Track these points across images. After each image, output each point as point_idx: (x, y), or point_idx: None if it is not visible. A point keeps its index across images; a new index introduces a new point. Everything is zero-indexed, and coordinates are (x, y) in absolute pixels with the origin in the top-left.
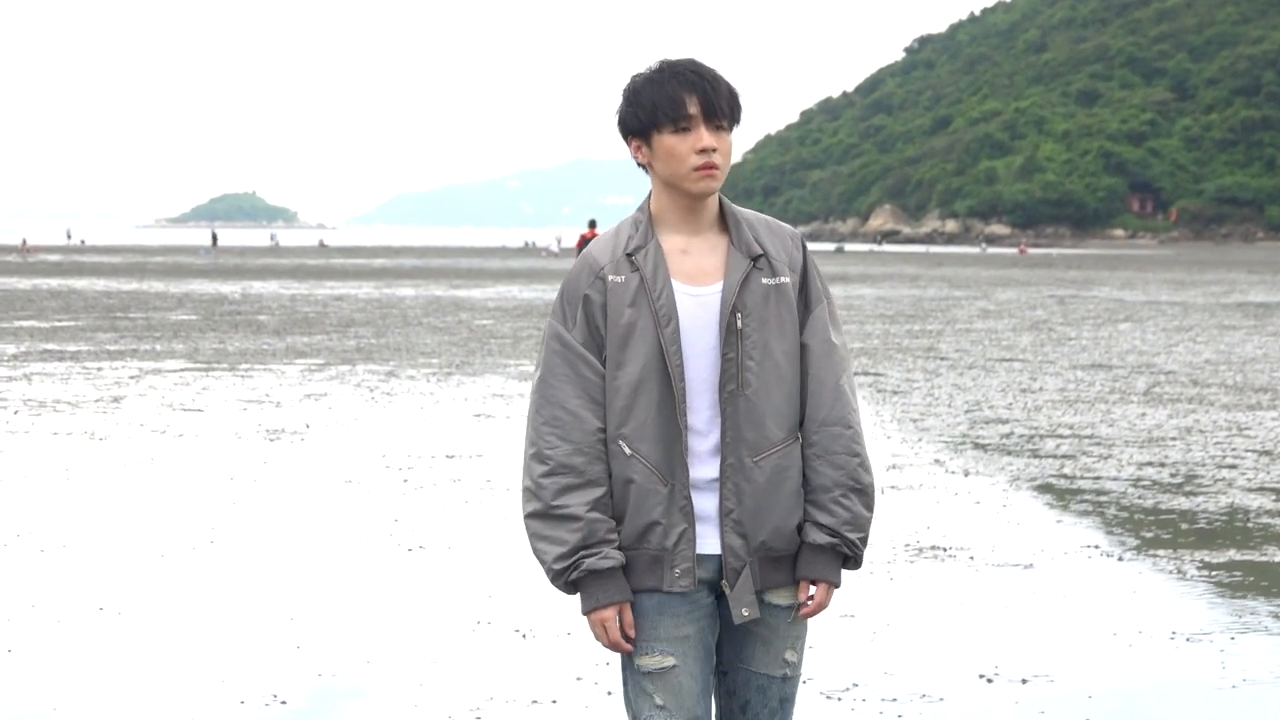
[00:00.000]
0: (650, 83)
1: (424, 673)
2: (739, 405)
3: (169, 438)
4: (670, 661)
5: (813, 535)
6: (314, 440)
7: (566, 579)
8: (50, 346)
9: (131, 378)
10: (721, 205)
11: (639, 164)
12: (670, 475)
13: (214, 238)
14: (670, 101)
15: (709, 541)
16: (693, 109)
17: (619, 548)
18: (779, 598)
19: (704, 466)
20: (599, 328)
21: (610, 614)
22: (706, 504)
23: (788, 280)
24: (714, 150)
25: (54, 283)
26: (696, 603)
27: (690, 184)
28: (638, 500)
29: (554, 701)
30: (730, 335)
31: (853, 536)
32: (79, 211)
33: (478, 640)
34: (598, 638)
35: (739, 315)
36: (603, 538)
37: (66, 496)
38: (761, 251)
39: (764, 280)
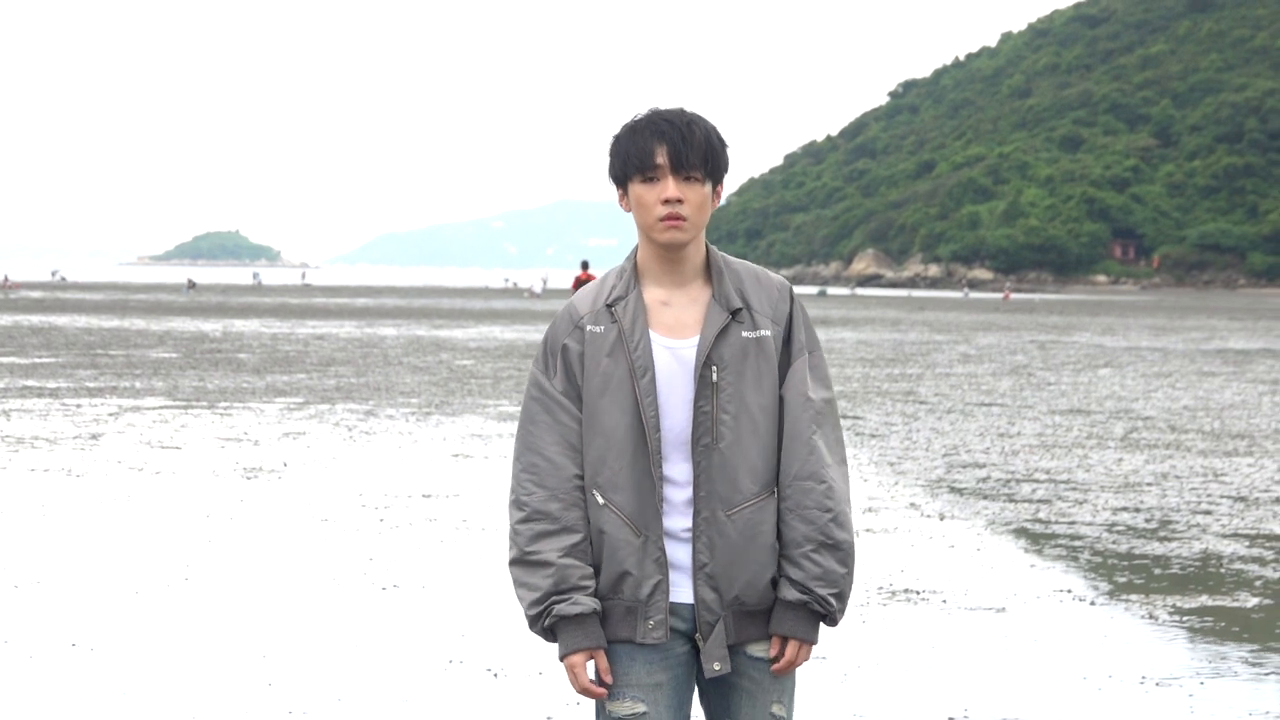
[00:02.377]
0: (628, 132)
1: (396, 711)
2: (713, 459)
3: (146, 475)
4: (641, 709)
5: (784, 591)
6: (291, 479)
7: (541, 624)
8: (30, 383)
9: (110, 415)
10: (709, 256)
11: (626, 210)
12: (644, 526)
13: (190, 283)
14: (640, 152)
15: (683, 591)
16: (660, 159)
17: (597, 594)
18: (758, 650)
19: (681, 517)
20: (576, 376)
21: (579, 659)
22: (683, 555)
23: (768, 333)
24: (679, 201)
25: (35, 319)
26: (670, 651)
27: (657, 234)
28: (611, 550)
29: None
30: (704, 388)
31: (823, 592)
32: (66, 248)
33: (450, 679)
34: (571, 682)
35: (714, 368)
36: (575, 584)
37: (42, 533)
38: (741, 305)
39: (743, 333)
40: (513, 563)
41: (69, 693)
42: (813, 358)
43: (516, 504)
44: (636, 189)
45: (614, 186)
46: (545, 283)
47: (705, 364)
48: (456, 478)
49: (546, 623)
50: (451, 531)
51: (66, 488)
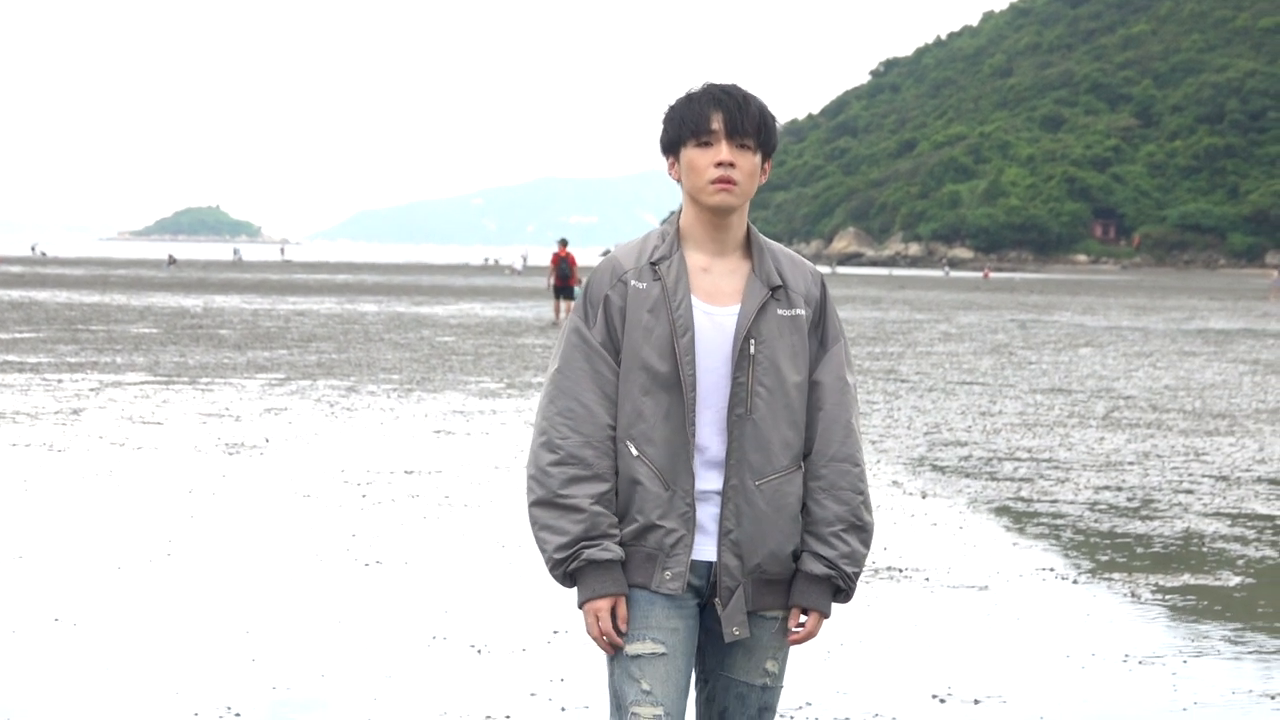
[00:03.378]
0: (684, 101)
1: (379, 687)
2: (745, 429)
3: (128, 450)
4: (661, 649)
5: (810, 565)
6: (273, 454)
7: (566, 569)
8: (10, 358)
9: (91, 390)
10: (749, 233)
11: (674, 180)
12: (674, 480)
13: (171, 259)
14: (696, 117)
15: (702, 549)
16: (716, 124)
17: (618, 543)
18: (769, 612)
19: (704, 478)
20: (617, 329)
21: (604, 605)
22: (705, 515)
23: (803, 313)
24: (732, 165)
25: (15, 294)
26: (683, 605)
27: (707, 196)
28: (640, 501)
29: (508, 717)
30: (742, 360)
31: (848, 570)
32: (43, 223)
33: (433, 655)
34: (589, 628)
35: (753, 341)
36: (604, 531)
37: (24, 508)
38: (781, 283)
39: (779, 311)
40: (539, 503)
41: (52, 668)
42: (845, 345)
43: (548, 445)
44: (690, 153)
45: (664, 155)
46: (525, 260)
47: (745, 337)
48: (438, 454)
49: (572, 567)
50: (434, 508)
51: (48, 463)
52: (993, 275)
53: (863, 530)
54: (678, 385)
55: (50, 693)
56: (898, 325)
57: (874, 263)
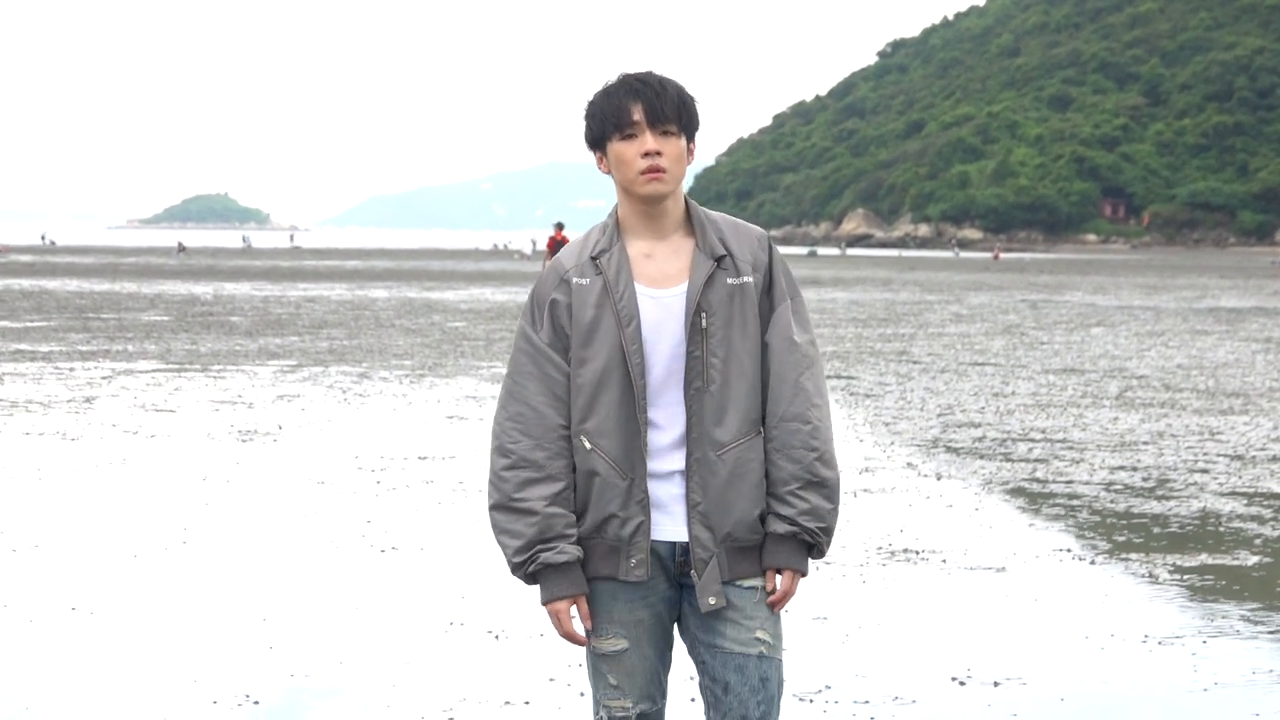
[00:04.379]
0: (602, 96)
1: (397, 674)
2: (704, 402)
3: (141, 438)
4: (623, 644)
5: (773, 525)
6: (287, 441)
7: (525, 571)
8: (22, 347)
9: (104, 378)
10: (689, 210)
11: (604, 173)
12: (630, 469)
13: (180, 247)
14: (616, 110)
15: (665, 529)
16: (637, 115)
17: (579, 539)
18: (748, 582)
19: (666, 459)
20: (564, 328)
21: (564, 606)
22: (665, 495)
23: (750, 280)
24: (658, 154)
25: (26, 283)
26: (652, 590)
27: (639, 187)
28: (598, 493)
29: (527, 702)
30: (695, 334)
31: (811, 525)
32: (50, 212)
33: (450, 641)
34: (555, 627)
35: (704, 315)
36: (559, 532)
37: (38, 496)
38: (725, 252)
39: (728, 280)
40: (495, 507)
41: (69, 656)
42: (794, 303)
43: (501, 450)
44: (616, 147)
45: (592, 151)
46: (535, 245)
47: (696, 311)
48: (452, 439)
49: (530, 569)
50: (449, 493)
51: (61, 451)
52: (1003, 256)
53: (821, 486)
54: (626, 375)
55: (68, 681)
56: (909, 306)
57: (883, 244)
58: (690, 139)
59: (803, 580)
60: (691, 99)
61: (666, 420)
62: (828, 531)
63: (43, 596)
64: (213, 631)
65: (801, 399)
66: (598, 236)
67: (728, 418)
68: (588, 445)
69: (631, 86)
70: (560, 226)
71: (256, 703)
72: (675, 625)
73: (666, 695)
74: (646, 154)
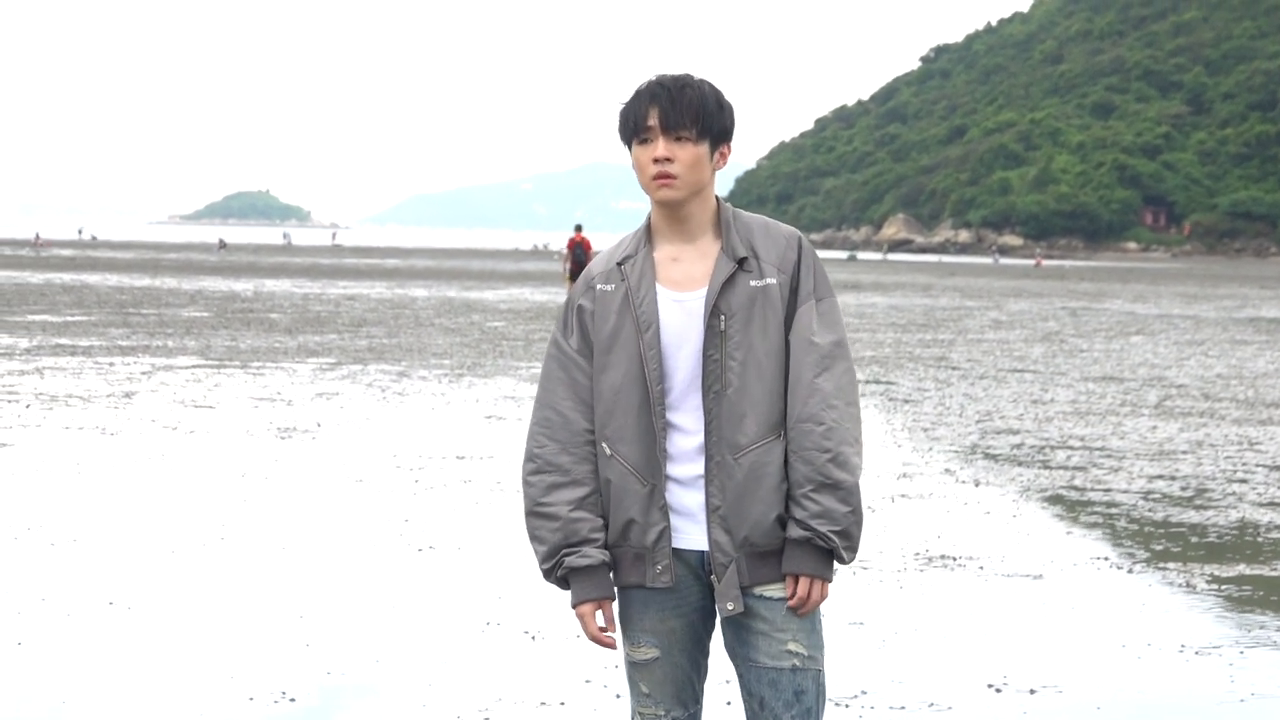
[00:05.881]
0: (630, 99)
1: (433, 673)
2: (722, 405)
3: (180, 434)
4: (654, 653)
5: (790, 530)
6: (325, 439)
7: (555, 575)
8: (63, 341)
9: (143, 373)
10: (720, 212)
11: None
12: (649, 475)
13: (221, 243)
14: (635, 115)
15: (692, 537)
16: (652, 120)
17: (607, 544)
18: (773, 591)
19: (689, 465)
20: (590, 334)
21: (589, 609)
22: (690, 500)
23: (774, 281)
24: (668, 160)
25: (67, 277)
26: (684, 597)
27: (651, 192)
28: (618, 499)
29: (562, 703)
30: (713, 337)
31: (824, 529)
32: (90, 207)
33: (487, 641)
34: (583, 630)
35: (722, 317)
36: (585, 537)
37: (77, 491)
38: (747, 254)
39: (751, 282)
40: (527, 513)
41: (107, 651)
42: (821, 304)
43: (528, 455)
44: (635, 152)
45: (628, 153)
46: None
47: (713, 314)
48: (490, 439)
49: (559, 574)
50: (486, 493)
51: (101, 446)
52: (1045, 263)
53: (836, 488)
54: (645, 381)
55: (105, 676)
56: (948, 312)
57: (924, 249)
58: (716, 144)
59: (838, 585)
60: (719, 104)
61: (691, 424)
62: (843, 535)
63: (81, 591)
64: (250, 628)
65: (817, 400)
66: (628, 242)
67: (746, 421)
68: (608, 451)
69: (652, 91)
70: (579, 228)
71: (293, 700)
72: (711, 633)
73: (701, 701)
74: (657, 160)
